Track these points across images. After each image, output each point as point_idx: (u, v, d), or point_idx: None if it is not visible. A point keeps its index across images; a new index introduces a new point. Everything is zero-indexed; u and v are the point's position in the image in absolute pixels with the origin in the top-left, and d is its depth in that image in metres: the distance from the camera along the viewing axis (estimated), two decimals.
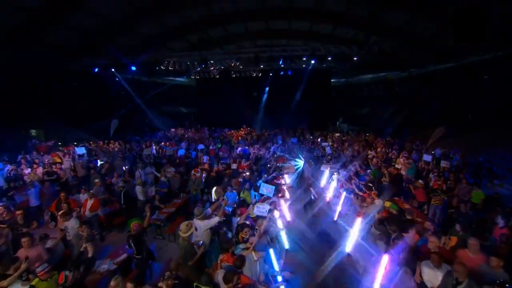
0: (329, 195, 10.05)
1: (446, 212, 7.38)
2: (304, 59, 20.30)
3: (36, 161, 11.36)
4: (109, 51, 15.28)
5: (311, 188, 8.92)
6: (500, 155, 12.06)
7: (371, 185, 7.91)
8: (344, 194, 8.66)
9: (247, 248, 4.89)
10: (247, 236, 5.01)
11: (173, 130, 19.11)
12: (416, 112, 17.47)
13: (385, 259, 4.95)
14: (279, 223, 6.97)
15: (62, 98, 15.92)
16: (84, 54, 15.26)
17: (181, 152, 14.27)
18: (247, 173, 10.01)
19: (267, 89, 21.43)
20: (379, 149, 12.89)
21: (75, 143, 14.54)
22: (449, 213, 6.90)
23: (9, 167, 9.90)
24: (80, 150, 10.04)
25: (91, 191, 7.52)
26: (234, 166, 12.18)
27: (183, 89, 24.64)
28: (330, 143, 14.10)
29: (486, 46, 13.98)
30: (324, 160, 12.95)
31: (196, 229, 5.23)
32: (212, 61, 14.20)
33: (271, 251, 5.21)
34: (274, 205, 7.11)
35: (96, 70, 15.50)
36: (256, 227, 5.13)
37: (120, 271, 4.98)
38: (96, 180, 8.33)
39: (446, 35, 15.58)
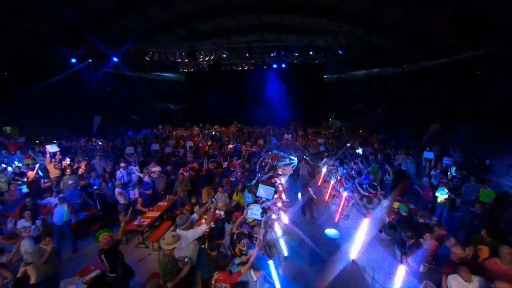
0: (328, 194, 9.47)
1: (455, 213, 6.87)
2: (296, 54, 19.88)
3: (5, 160, 10.20)
4: (89, 42, 14.11)
5: (310, 189, 8.26)
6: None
7: (376, 184, 7.32)
8: (345, 194, 8.08)
9: (244, 263, 4.15)
10: (245, 248, 4.26)
11: (160, 127, 18.08)
12: (410, 109, 17.18)
13: (401, 270, 4.34)
14: (277, 228, 6.30)
15: (39, 92, 14.63)
16: (61, 44, 14.03)
17: (168, 150, 13.36)
18: (239, 172, 9.25)
19: (259, 83, 20.66)
20: (375, 146, 12.40)
21: (55, 140, 13.35)
22: (463, 214, 6.36)
23: None
24: (52, 148, 8.98)
25: (61, 195, 6.55)
26: (225, 164, 11.41)
27: (172, 85, 23.55)
28: (325, 139, 13.52)
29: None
30: (319, 156, 12.38)
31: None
32: (201, 52, 13.25)
33: (271, 264, 4.51)
34: (271, 208, 6.43)
35: (74, 60, 14.21)
36: (255, 236, 4.36)
37: None
38: (70, 182, 7.33)
39: (440, 30, 15.41)
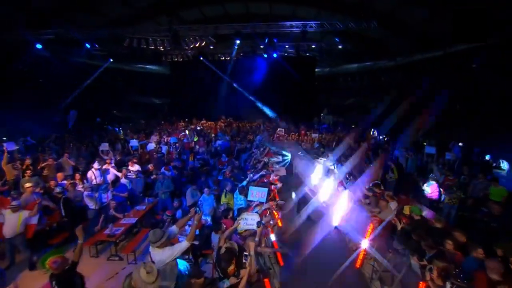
0: (324, 194, 8.72)
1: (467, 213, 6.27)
2: (287, 46, 19.09)
3: None
4: (59, 27, 12.64)
5: (307, 189, 7.48)
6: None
7: (379, 182, 6.62)
8: (345, 193, 7.32)
9: (235, 286, 3.30)
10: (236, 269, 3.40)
11: (143, 122, 16.80)
12: (403, 103, 16.72)
13: None
14: (272, 235, 5.48)
15: (5, 83, 13.05)
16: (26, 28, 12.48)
17: (151, 146, 12.25)
18: (227, 171, 8.36)
19: (248, 76, 19.74)
20: (372, 141, 11.78)
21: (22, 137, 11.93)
22: (479, 217, 5.74)
23: None
24: (10, 146, 7.77)
25: (14, 202, 5.43)
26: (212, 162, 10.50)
27: (156, 78, 22.15)
28: (319, 135, 12.79)
29: None
30: (312, 152, 11.64)
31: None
32: (185, 40, 12.07)
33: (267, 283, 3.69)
34: (266, 212, 5.59)
35: (40, 46, 12.65)
36: (245, 254, 3.49)
37: None
38: (27, 185, 6.19)
39: (433, 22, 14.97)
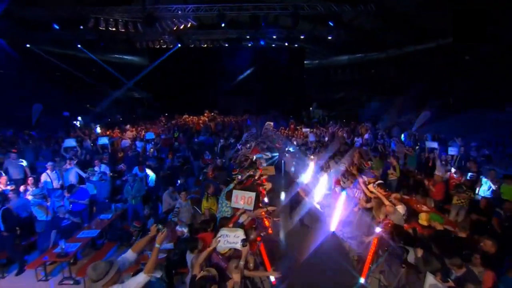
0: (319, 195, 7.85)
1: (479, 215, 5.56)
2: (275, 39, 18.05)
3: None
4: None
5: (299, 190, 6.58)
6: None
7: (382, 181, 5.79)
8: (343, 195, 6.48)
9: None
10: None
11: (119, 117, 15.32)
12: (395, 96, 16.19)
13: None
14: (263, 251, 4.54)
15: None
16: None
17: (125, 143, 10.96)
18: (209, 170, 7.33)
19: (233, 68, 18.66)
20: (366, 136, 11.05)
21: None
22: (500, 220, 5.02)
23: None
24: None
25: None
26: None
27: (135, 70, 20.53)
28: (314, 130, 11.93)
29: None
30: (303, 148, 10.78)
31: None
32: (162, 22, 10.71)
33: None
34: (254, 222, 4.63)
35: None
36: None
37: None
38: None
39: (425, 12, 14.41)
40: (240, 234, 3.57)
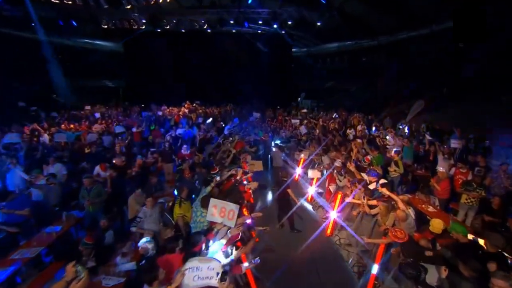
0: (312, 194, 7.02)
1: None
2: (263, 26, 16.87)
3: None
4: None
5: (289, 190, 5.67)
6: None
7: (386, 181, 4.96)
8: (340, 195, 5.66)
9: None
10: None
11: (88, 107, 13.75)
12: (387, 85, 15.54)
13: None
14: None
15: None
16: None
17: (92, 137, 9.62)
18: (185, 168, 6.28)
19: (215, 54, 17.41)
20: (359, 127, 10.28)
21: None
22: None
23: None
24: None
25: None
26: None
27: (107, 57, 18.77)
28: (305, 122, 11.00)
29: None
30: (293, 141, 9.91)
31: None
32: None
33: None
34: (232, 238, 3.67)
35: None
36: None
37: None
38: None
39: None
40: (216, 266, 2.61)
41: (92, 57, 17.94)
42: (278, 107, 15.54)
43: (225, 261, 3.08)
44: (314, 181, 6.96)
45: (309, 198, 7.08)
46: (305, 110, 14.37)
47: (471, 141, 9.24)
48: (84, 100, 16.00)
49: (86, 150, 8.76)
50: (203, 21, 15.98)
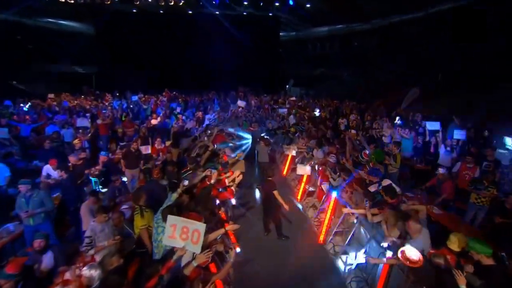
0: (300, 193, 6.23)
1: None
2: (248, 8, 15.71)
3: None
4: None
5: (276, 192, 4.83)
6: None
7: (390, 183, 4.18)
8: (334, 195, 4.89)
9: None
10: None
11: (52, 96, 12.24)
12: (379, 72, 14.80)
13: None
14: None
15: None
16: None
17: (53, 128, 8.38)
18: (155, 167, 5.32)
19: (197, 38, 16.16)
20: (352, 116, 9.51)
21: None
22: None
23: None
24: None
25: None
26: (145, 149, 7.20)
27: (78, 40, 17.00)
28: (294, 111, 10.06)
29: None
30: (280, 133, 9.06)
31: None
32: None
33: None
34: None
35: None
36: None
37: None
38: None
39: None
40: None
41: (59, 40, 16.17)
42: (265, 95, 14.56)
43: None
44: (304, 178, 6.16)
45: (298, 197, 6.30)
46: (293, 98, 13.50)
47: (470, 131, 8.67)
48: (52, 87, 14.46)
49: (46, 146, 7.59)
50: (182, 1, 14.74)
